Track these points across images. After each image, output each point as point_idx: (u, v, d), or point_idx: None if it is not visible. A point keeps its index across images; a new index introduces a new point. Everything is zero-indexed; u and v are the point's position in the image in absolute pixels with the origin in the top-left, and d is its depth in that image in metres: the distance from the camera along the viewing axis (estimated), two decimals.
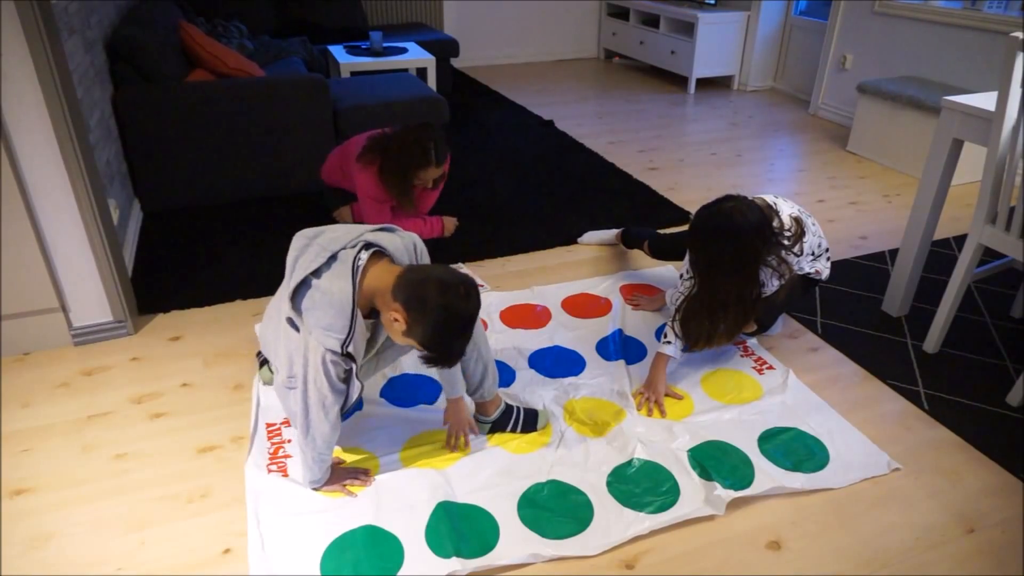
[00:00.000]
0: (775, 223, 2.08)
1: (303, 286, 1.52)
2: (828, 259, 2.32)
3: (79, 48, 2.64)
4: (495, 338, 2.46)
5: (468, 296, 1.50)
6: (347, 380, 1.61)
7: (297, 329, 1.59)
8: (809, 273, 2.30)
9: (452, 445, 1.94)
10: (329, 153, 3.15)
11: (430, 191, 3.00)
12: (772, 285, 2.10)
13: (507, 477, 1.86)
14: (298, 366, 1.59)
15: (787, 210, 2.16)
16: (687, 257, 2.22)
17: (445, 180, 2.97)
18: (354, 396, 1.64)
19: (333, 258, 1.54)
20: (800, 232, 2.14)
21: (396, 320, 1.51)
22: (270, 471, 1.86)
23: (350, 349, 1.54)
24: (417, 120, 3.64)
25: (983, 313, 2.64)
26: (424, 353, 1.56)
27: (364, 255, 1.57)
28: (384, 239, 1.63)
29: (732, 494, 1.79)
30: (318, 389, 1.57)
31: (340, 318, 1.50)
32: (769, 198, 2.17)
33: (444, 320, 1.49)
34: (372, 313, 1.64)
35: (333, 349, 1.51)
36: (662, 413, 2.10)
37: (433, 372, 1.90)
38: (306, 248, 1.59)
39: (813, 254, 2.25)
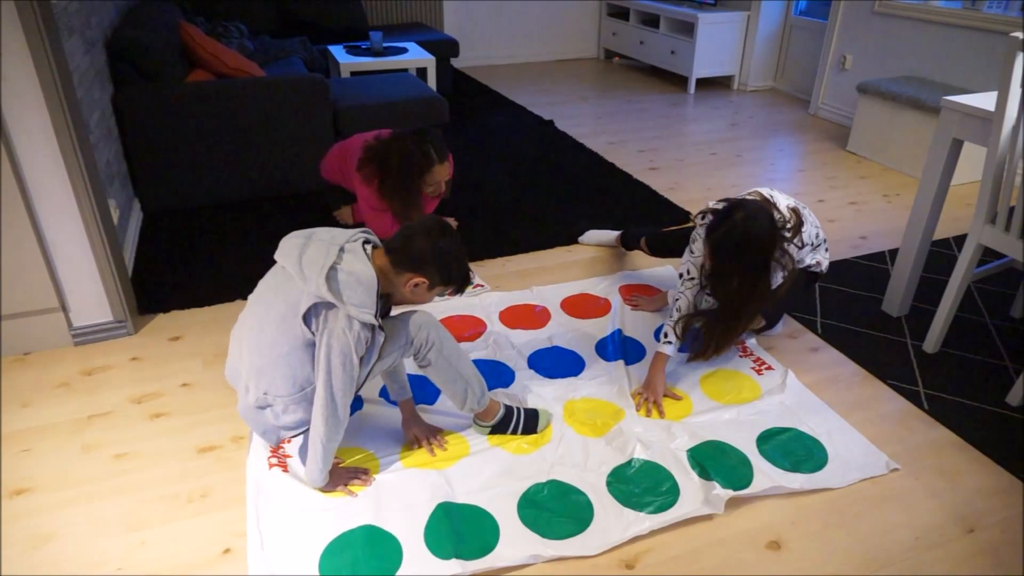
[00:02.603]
0: (776, 216, 2.08)
1: (332, 272, 1.61)
2: (826, 250, 2.33)
3: (79, 48, 2.64)
4: (494, 338, 2.46)
5: (445, 229, 1.72)
6: (362, 359, 1.68)
7: (308, 325, 1.63)
8: (810, 266, 2.30)
9: (432, 449, 1.94)
10: (329, 148, 3.11)
11: (433, 197, 2.93)
12: (777, 279, 2.10)
13: (507, 477, 1.86)
14: (321, 362, 1.62)
15: (784, 202, 2.16)
16: (685, 255, 2.23)
17: (450, 187, 2.89)
18: (365, 373, 1.70)
19: (342, 250, 1.65)
20: (799, 222, 2.14)
21: (417, 284, 1.70)
22: (271, 465, 1.87)
23: (380, 322, 1.66)
24: (416, 122, 3.65)
25: (983, 313, 2.64)
26: (449, 290, 1.78)
27: (368, 246, 1.72)
28: (374, 238, 1.79)
29: (731, 493, 1.79)
30: (347, 372, 1.63)
31: (368, 295, 1.62)
32: (765, 191, 2.16)
33: (445, 256, 1.70)
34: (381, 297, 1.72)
35: (368, 322, 1.62)
36: (660, 414, 2.10)
37: (391, 377, 1.96)
38: (307, 246, 1.66)
39: (812, 245, 2.25)
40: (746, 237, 1.93)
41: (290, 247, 1.67)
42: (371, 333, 1.65)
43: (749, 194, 2.15)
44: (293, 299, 1.62)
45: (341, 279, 1.60)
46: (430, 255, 1.68)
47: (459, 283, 1.77)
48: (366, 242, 1.73)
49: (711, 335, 2.11)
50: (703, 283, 2.17)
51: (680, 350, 2.18)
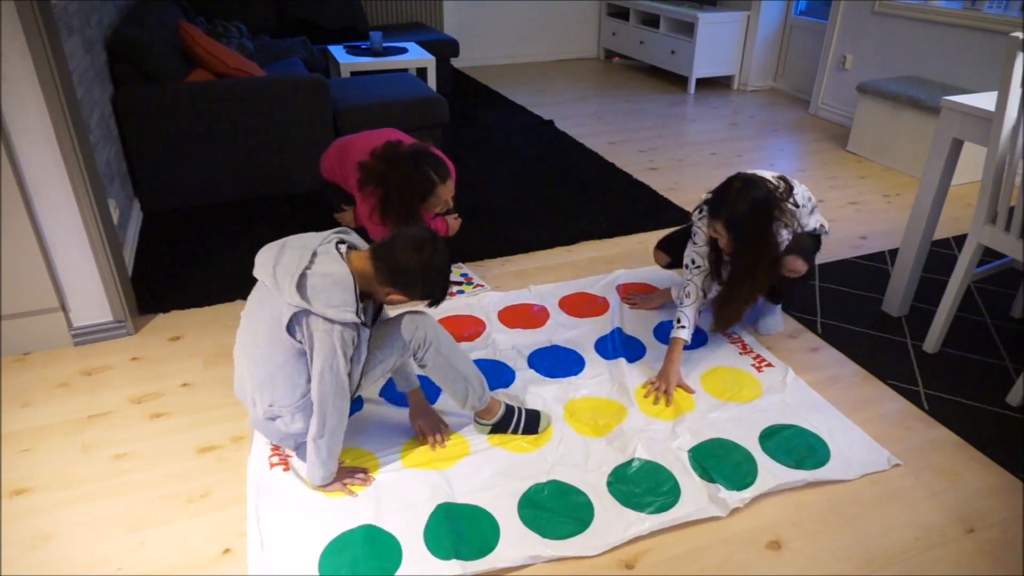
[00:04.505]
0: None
1: (302, 279, 1.60)
2: (820, 213, 2.40)
3: (79, 48, 2.64)
4: (494, 338, 2.45)
5: (437, 247, 1.69)
6: (352, 358, 1.68)
7: (292, 333, 1.62)
8: (814, 229, 2.36)
9: (433, 445, 1.96)
10: (330, 145, 3.06)
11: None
12: (784, 236, 2.17)
13: (507, 477, 1.86)
14: (312, 366, 1.64)
15: (768, 175, 2.23)
16: (689, 247, 2.27)
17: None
18: (358, 372, 1.71)
19: (315, 254, 1.65)
20: (789, 186, 2.21)
21: (395, 298, 1.71)
22: (272, 465, 1.87)
23: (363, 318, 1.65)
24: (416, 122, 3.65)
25: (983, 313, 2.64)
26: (427, 303, 1.76)
27: (342, 247, 1.70)
28: (352, 240, 1.78)
29: (735, 496, 1.79)
30: (335, 374, 1.63)
31: (346, 293, 1.61)
32: (748, 173, 2.23)
33: (430, 276, 1.68)
34: (361, 297, 1.71)
35: (350, 321, 1.62)
36: (668, 403, 2.11)
37: (400, 372, 1.98)
38: (280, 256, 1.65)
39: (808, 208, 2.30)
40: (752, 202, 2.03)
41: (264, 260, 1.67)
42: (356, 331, 1.65)
43: (738, 176, 2.20)
44: (276, 311, 1.62)
45: (315, 283, 1.59)
46: (417, 274, 1.66)
47: (438, 299, 1.75)
48: (341, 242, 1.72)
49: (733, 300, 2.18)
50: (709, 268, 2.25)
51: (691, 345, 2.20)
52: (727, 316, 2.23)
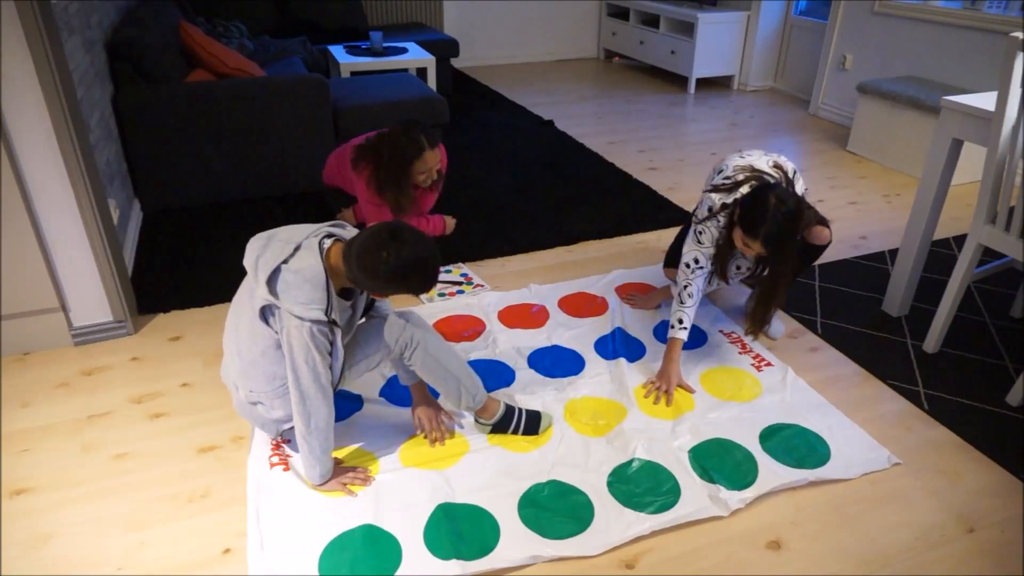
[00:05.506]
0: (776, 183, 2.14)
1: (275, 274, 1.60)
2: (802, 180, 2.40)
3: (79, 48, 2.64)
4: (494, 338, 2.46)
5: (397, 243, 1.55)
6: (331, 353, 1.67)
7: (267, 323, 1.64)
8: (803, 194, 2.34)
9: (433, 441, 1.96)
10: (329, 155, 3.15)
11: (429, 192, 2.98)
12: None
13: (507, 477, 1.86)
14: (286, 360, 1.64)
15: (765, 165, 2.18)
16: (691, 246, 2.24)
17: (443, 179, 2.95)
18: (338, 368, 1.70)
19: (298, 247, 1.63)
20: (784, 173, 2.18)
21: (377, 295, 1.70)
22: (272, 465, 1.87)
23: (334, 316, 1.63)
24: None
25: (983, 313, 2.64)
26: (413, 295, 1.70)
27: (327, 241, 1.67)
28: (341, 233, 1.74)
29: (736, 496, 1.79)
30: (311, 368, 1.63)
31: (316, 290, 1.60)
32: (742, 162, 2.19)
33: (401, 275, 1.57)
34: (344, 293, 1.71)
35: (319, 319, 1.59)
36: (668, 403, 2.12)
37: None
38: (266, 247, 1.65)
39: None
40: (789, 216, 2.00)
41: (251, 250, 1.67)
42: (328, 328, 1.63)
43: (737, 172, 2.16)
44: (256, 302, 1.63)
45: (286, 279, 1.58)
46: (382, 277, 1.56)
47: (418, 290, 1.63)
48: (329, 236, 1.68)
49: (773, 299, 2.19)
50: (712, 268, 2.25)
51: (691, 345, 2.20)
52: (762, 316, 2.24)
